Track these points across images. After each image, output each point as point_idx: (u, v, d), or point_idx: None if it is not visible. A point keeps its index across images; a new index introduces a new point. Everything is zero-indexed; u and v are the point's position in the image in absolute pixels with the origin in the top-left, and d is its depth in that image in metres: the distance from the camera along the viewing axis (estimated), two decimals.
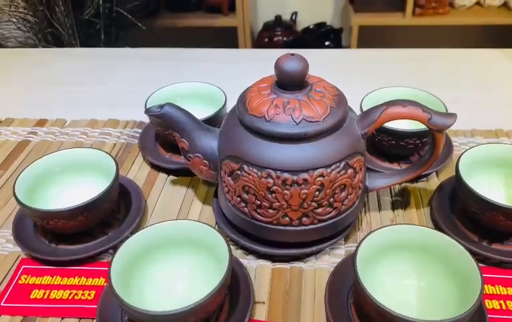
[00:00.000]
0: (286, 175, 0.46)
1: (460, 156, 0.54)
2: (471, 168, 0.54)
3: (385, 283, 0.45)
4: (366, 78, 0.89)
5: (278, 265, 0.52)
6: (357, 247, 0.43)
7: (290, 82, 0.48)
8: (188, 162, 0.54)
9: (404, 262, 0.46)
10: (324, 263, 0.52)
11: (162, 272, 0.47)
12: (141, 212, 0.57)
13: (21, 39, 1.48)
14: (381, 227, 0.46)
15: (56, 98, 0.86)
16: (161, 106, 0.52)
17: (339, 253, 0.53)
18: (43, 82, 0.92)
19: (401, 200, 0.60)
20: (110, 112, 0.79)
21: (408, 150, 0.61)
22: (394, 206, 0.59)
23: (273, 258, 0.53)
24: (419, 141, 0.60)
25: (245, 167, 0.48)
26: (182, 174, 0.65)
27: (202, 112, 0.67)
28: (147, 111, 0.53)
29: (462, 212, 0.55)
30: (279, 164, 0.46)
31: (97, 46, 1.48)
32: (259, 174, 0.47)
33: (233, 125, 0.50)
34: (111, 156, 0.56)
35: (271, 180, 0.47)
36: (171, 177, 0.65)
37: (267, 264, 0.52)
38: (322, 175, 0.47)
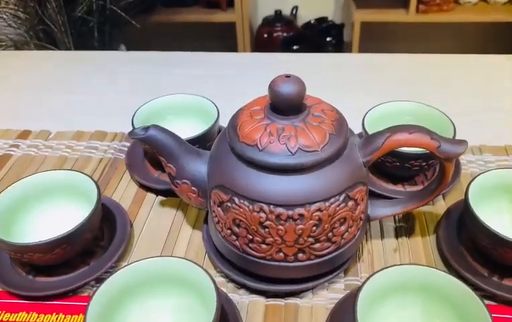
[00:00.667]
0: (280, 210, 0.42)
1: (469, 184, 0.49)
2: (480, 194, 0.50)
3: None
4: (367, 86, 0.85)
5: (272, 301, 0.48)
6: (358, 292, 0.39)
7: (285, 107, 0.44)
8: (176, 188, 0.50)
9: (410, 306, 0.42)
10: (322, 300, 0.48)
11: (144, 316, 0.43)
12: (126, 239, 0.53)
13: (12, 36, 1.44)
14: (384, 268, 0.41)
15: (42, 107, 0.82)
16: (146, 129, 0.48)
17: (338, 287, 0.49)
18: (28, 88, 0.88)
19: (405, 226, 0.56)
20: (98, 122, 0.75)
21: (413, 172, 0.57)
22: (398, 234, 0.55)
23: (266, 293, 0.49)
24: (425, 163, 0.56)
25: (236, 199, 0.44)
26: (172, 195, 0.60)
27: (193, 126, 0.63)
28: (131, 134, 0.49)
29: (470, 243, 0.51)
30: (273, 197, 0.42)
31: (90, 44, 1.43)
32: (251, 207, 0.43)
33: (223, 151, 0.46)
34: (93, 180, 0.52)
35: (263, 215, 0.43)
36: (160, 198, 0.61)
37: (260, 300, 0.48)
38: (319, 209, 0.42)
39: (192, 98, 0.66)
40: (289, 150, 0.42)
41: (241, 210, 0.43)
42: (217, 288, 0.40)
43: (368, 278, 0.41)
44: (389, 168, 0.57)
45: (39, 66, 0.96)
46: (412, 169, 0.56)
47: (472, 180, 0.50)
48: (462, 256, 0.50)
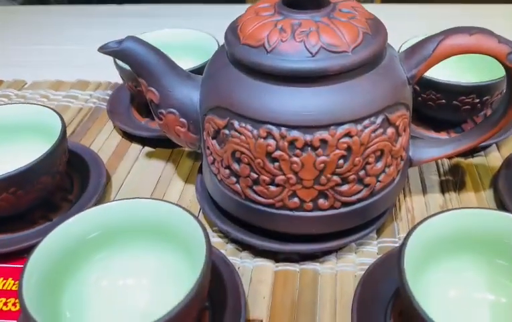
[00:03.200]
0: (295, 133, 0.31)
1: None
2: None
3: (445, 297, 0.30)
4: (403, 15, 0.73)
5: (283, 266, 0.37)
6: (403, 245, 0.28)
7: None
8: (160, 121, 0.39)
9: (473, 266, 0.31)
10: (349, 266, 0.37)
11: (111, 279, 0.32)
12: (99, 193, 0.42)
13: None
14: (437, 213, 0.30)
15: (17, 60, 0.72)
16: (121, 41, 0.37)
17: (370, 251, 0.38)
18: (8, 40, 0.78)
19: (453, 179, 0.44)
20: (79, 74, 0.64)
21: (462, 114, 0.45)
22: (444, 188, 0.43)
23: (276, 256, 0.37)
24: (478, 100, 0.44)
25: (235, 122, 0.32)
26: (161, 145, 0.50)
27: (189, 66, 0.52)
28: (102, 48, 0.38)
29: None
30: (285, 116, 0.31)
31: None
32: (255, 132, 0.32)
33: (220, 65, 0.35)
34: (56, 112, 0.41)
35: (272, 142, 0.31)
36: (147, 149, 0.50)
37: (268, 265, 0.37)
38: (349, 134, 0.31)
39: (190, 34, 0.55)
40: (308, 50, 0.31)
41: (242, 137, 0.32)
42: (206, 236, 0.29)
43: (416, 226, 0.29)
44: (432, 108, 0.46)
45: (25, 20, 0.86)
46: (461, 109, 0.44)
47: None
48: None
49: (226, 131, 0.33)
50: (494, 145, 0.48)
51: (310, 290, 0.35)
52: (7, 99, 0.59)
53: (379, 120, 0.32)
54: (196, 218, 0.30)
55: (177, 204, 0.32)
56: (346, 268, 0.36)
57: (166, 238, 0.32)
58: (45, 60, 0.71)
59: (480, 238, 0.30)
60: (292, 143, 0.31)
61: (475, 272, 0.31)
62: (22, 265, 0.37)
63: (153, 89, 0.37)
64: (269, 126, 0.31)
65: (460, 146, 0.38)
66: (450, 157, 0.40)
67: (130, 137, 0.51)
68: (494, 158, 0.46)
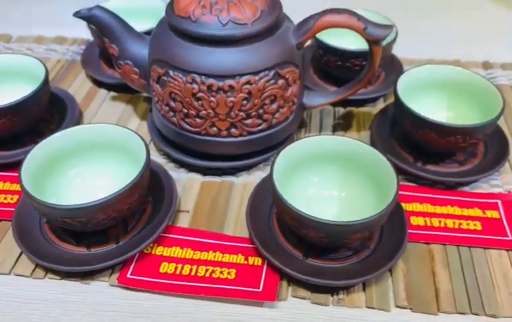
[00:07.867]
0: (211, 80, 0.45)
1: (401, 75, 0.52)
2: (413, 89, 0.52)
3: (306, 194, 0.45)
4: None
5: (209, 178, 0.51)
6: (275, 157, 0.42)
7: None
8: (119, 69, 0.52)
9: (326, 173, 0.45)
10: (256, 178, 0.51)
11: (80, 178, 0.46)
12: (74, 122, 0.55)
13: None
14: (303, 138, 0.44)
15: (6, 16, 0.83)
16: (90, 9, 0.50)
17: None
18: None
19: (343, 123, 0.58)
20: (57, 31, 0.76)
21: (354, 73, 0.59)
22: (335, 129, 0.57)
23: (205, 172, 0.52)
24: (365, 63, 0.58)
25: (170, 72, 0.46)
26: (123, 91, 0.63)
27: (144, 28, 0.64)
28: (76, 14, 0.50)
29: (400, 135, 0.54)
30: (204, 68, 0.44)
31: None
32: (184, 78, 0.45)
33: (162, 29, 0.48)
34: (39, 60, 0.54)
35: (196, 86, 0.45)
36: (112, 93, 0.63)
37: (198, 177, 0.51)
38: (249, 82, 0.45)
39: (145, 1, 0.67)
40: (220, 22, 0.44)
41: (176, 82, 0.46)
42: (147, 147, 0.43)
43: (286, 145, 0.44)
44: (332, 68, 0.59)
45: None
46: (353, 69, 0.58)
47: (405, 71, 0.53)
48: (391, 146, 0.53)
49: (165, 78, 0.47)
50: (382, 98, 0.62)
51: (225, 193, 0.49)
52: None
53: (271, 73, 0.46)
54: (139, 136, 0.44)
55: (129, 129, 0.45)
56: (253, 180, 0.51)
57: (121, 152, 0.45)
58: (27, 17, 0.82)
59: (330, 154, 0.44)
60: (209, 87, 0.45)
61: (327, 176, 0.45)
62: (16, 174, 0.51)
63: (113, 46, 0.50)
64: (193, 75, 0.45)
65: (338, 96, 0.52)
66: (332, 104, 0.55)
67: (99, 84, 0.64)
68: (380, 108, 0.60)
